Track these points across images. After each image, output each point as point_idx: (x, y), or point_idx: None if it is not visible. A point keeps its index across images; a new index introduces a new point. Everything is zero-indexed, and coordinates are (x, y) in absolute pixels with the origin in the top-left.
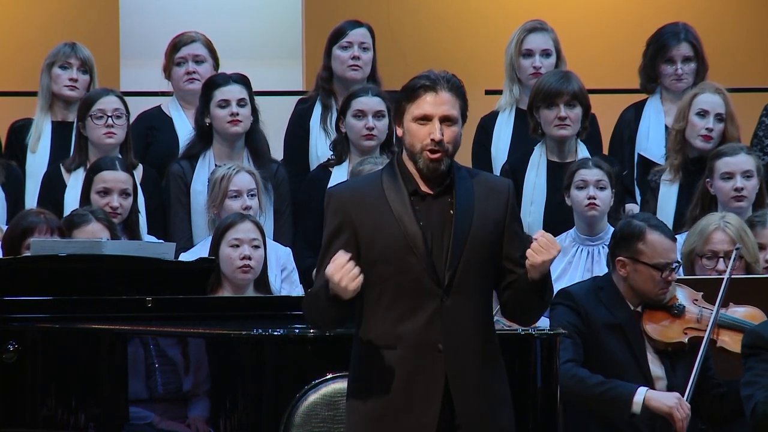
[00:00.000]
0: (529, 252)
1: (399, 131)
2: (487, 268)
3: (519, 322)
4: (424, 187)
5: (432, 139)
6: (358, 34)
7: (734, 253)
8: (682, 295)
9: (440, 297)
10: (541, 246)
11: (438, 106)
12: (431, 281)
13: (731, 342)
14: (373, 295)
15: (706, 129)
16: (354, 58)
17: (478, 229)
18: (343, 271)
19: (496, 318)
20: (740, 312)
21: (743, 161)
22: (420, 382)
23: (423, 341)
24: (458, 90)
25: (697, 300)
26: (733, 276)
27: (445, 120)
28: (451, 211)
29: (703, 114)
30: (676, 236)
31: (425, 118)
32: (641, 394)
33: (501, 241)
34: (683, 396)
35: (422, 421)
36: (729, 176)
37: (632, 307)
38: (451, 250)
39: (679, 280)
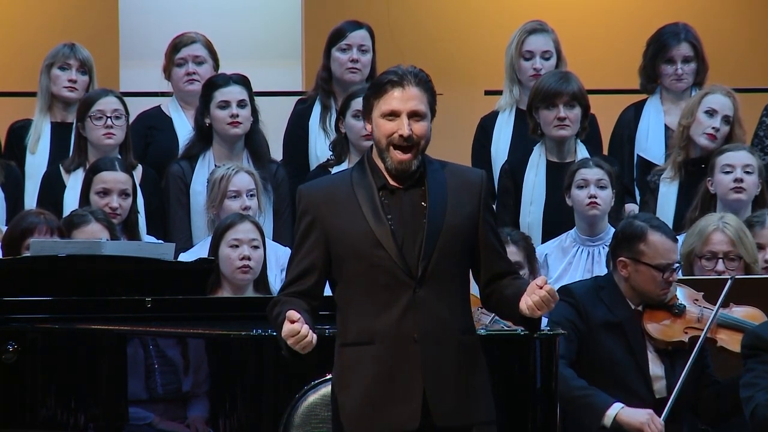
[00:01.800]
0: (529, 305)
1: (368, 127)
2: (461, 259)
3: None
4: (393, 182)
5: (400, 135)
6: (357, 37)
7: (728, 282)
8: (683, 295)
9: (413, 288)
10: (544, 302)
11: (405, 101)
12: (403, 273)
13: (731, 341)
14: (348, 292)
15: (712, 128)
16: (353, 61)
17: (452, 220)
18: (296, 338)
19: (495, 318)
20: (740, 312)
21: (744, 156)
22: (399, 375)
23: (399, 334)
24: (426, 84)
25: (697, 300)
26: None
27: (413, 115)
28: (423, 203)
29: (711, 113)
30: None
31: (393, 114)
32: (615, 409)
33: (475, 232)
34: (661, 413)
35: (405, 415)
36: (729, 170)
37: (633, 306)
38: (425, 241)
39: (680, 281)
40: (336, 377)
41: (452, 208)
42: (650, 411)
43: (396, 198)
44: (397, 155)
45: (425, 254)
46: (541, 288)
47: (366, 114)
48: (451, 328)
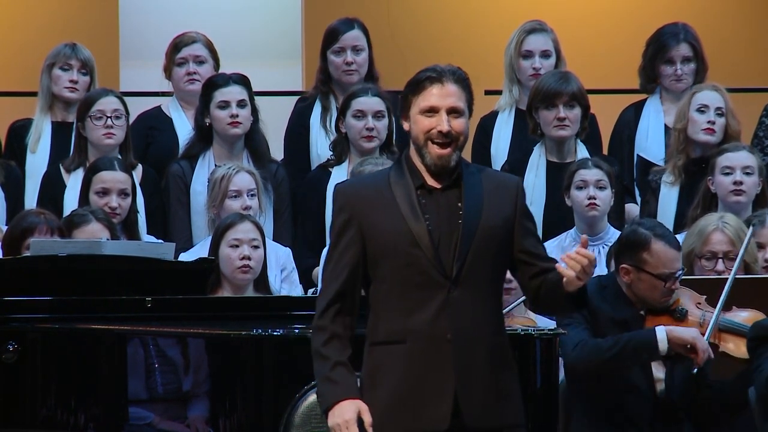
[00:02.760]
0: (567, 274)
1: (406, 125)
2: (496, 261)
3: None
4: (431, 181)
5: (439, 131)
6: (349, 38)
7: (726, 286)
8: (686, 298)
9: (447, 288)
10: (582, 266)
11: (444, 98)
12: (438, 273)
13: (734, 348)
14: (381, 290)
15: (708, 122)
16: (347, 63)
17: (487, 222)
18: None
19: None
20: (743, 316)
21: (744, 157)
22: (431, 375)
23: (432, 334)
24: (464, 82)
25: (700, 303)
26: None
27: (452, 111)
28: (459, 204)
29: (703, 110)
30: (676, 236)
31: (432, 110)
32: (661, 331)
33: (511, 236)
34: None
35: (435, 415)
36: (729, 171)
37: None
38: (460, 242)
39: (681, 282)
40: (366, 376)
41: (488, 210)
42: (696, 330)
43: (433, 198)
44: (436, 150)
45: (460, 255)
46: (573, 254)
47: (404, 111)
48: (483, 329)
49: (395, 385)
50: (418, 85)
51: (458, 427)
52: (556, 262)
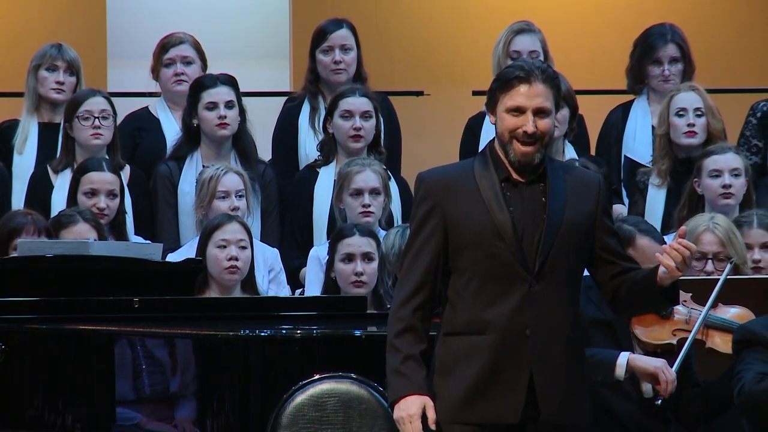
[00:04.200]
0: (667, 264)
1: (492, 119)
2: (577, 257)
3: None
4: (515, 175)
5: (524, 131)
6: (338, 37)
7: (728, 266)
8: None
9: (529, 283)
10: (682, 256)
11: (532, 98)
12: (520, 267)
13: (721, 343)
14: (461, 280)
15: (688, 125)
16: (336, 62)
17: (571, 218)
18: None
19: None
20: (730, 313)
21: (731, 159)
22: (507, 367)
23: (511, 327)
24: (552, 81)
25: (686, 301)
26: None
27: (539, 112)
28: (544, 199)
29: (682, 113)
30: (665, 237)
31: (518, 110)
32: (624, 357)
33: (592, 232)
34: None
35: (508, 407)
36: (717, 174)
37: None
38: (544, 237)
39: None
40: (439, 364)
41: (571, 206)
42: (663, 360)
43: (517, 191)
44: (520, 147)
45: (543, 249)
46: (675, 245)
47: (490, 107)
48: (562, 325)
49: (471, 376)
50: (506, 82)
51: (530, 421)
52: (636, 262)
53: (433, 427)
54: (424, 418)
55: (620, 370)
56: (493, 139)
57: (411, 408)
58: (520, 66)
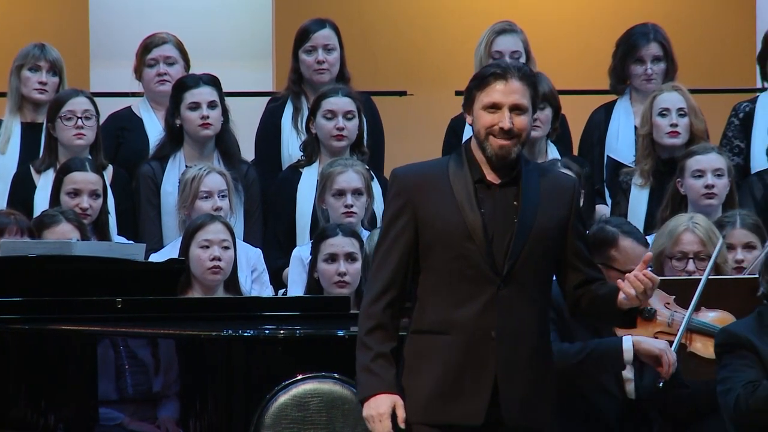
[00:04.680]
0: (628, 292)
1: (468, 119)
2: (546, 262)
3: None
4: (490, 176)
5: (501, 128)
6: (321, 37)
7: (713, 255)
8: (654, 298)
9: (497, 285)
10: (644, 287)
11: (508, 95)
12: (489, 269)
13: (702, 347)
14: (430, 280)
15: (671, 125)
16: (319, 62)
17: (542, 222)
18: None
19: None
20: (711, 317)
21: (714, 160)
22: (471, 369)
23: (477, 328)
24: (529, 79)
25: (668, 303)
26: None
27: (515, 109)
28: (516, 203)
29: (664, 113)
30: (647, 237)
31: (495, 107)
32: (628, 341)
33: (564, 238)
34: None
35: (472, 409)
36: (700, 174)
37: None
38: (514, 240)
39: None
40: (406, 363)
41: (543, 210)
42: (665, 342)
43: (490, 193)
44: (497, 141)
45: (513, 253)
46: (639, 275)
47: (467, 106)
48: (529, 330)
49: (435, 376)
50: (482, 80)
51: (493, 423)
52: (599, 270)
53: (402, 426)
54: (393, 416)
55: (628, 354)
56: (470, 139)
57: (381, 407)
58: (497, 64)
